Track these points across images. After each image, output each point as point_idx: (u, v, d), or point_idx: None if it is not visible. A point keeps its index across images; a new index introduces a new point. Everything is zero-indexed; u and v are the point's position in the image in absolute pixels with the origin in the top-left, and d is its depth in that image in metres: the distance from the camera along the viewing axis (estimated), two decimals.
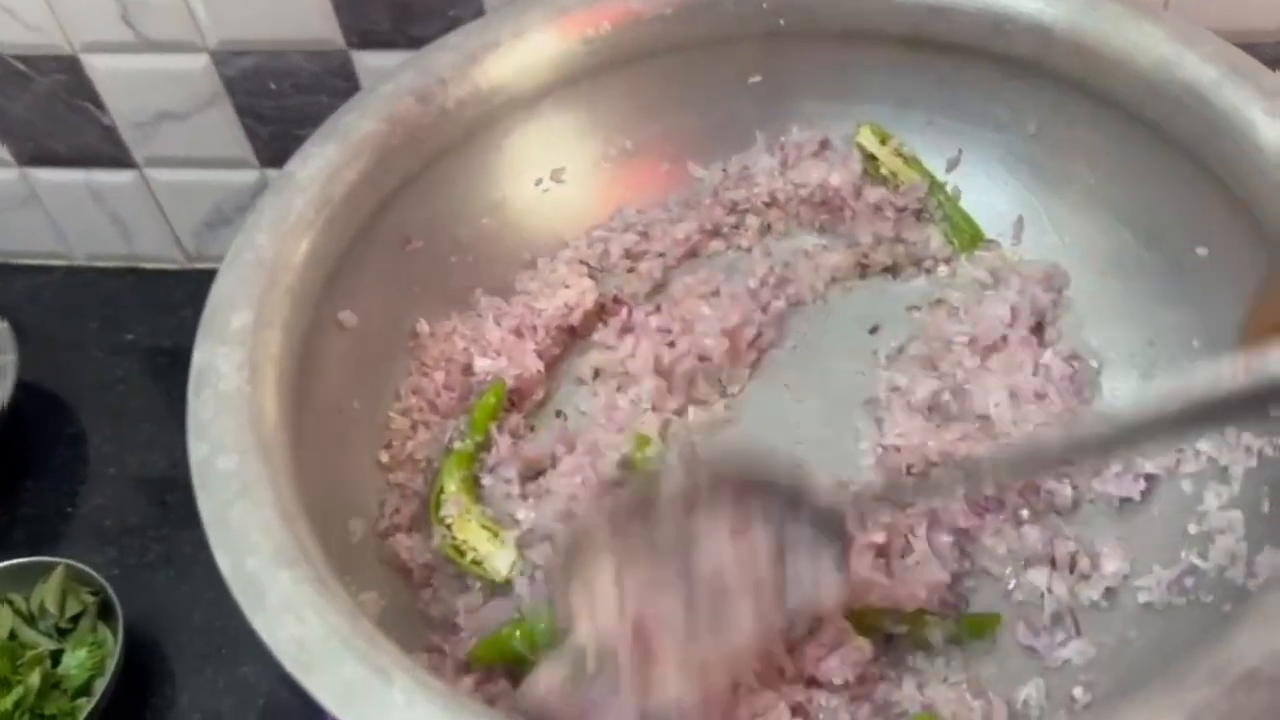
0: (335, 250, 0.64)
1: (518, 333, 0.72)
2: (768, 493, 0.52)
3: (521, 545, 0.64)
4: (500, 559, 0.64)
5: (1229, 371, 0.45)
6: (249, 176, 0.92)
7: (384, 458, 0.67)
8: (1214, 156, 0.63)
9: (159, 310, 0.98)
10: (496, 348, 0.71)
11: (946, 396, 0.68)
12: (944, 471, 0.62)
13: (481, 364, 0.70)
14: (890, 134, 0.76)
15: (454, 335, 0.72)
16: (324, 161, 0.65)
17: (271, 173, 0.90)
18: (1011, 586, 0.63)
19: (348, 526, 0.63)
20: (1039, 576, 0.62)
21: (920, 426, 0.67)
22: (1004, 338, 0.70)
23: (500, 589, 0.64)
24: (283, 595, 0.49)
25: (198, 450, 0.54)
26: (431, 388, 0.70)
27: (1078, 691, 0.59)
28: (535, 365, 0.71)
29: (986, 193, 0.75)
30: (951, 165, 0.76)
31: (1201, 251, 0.66)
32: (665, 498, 0.51)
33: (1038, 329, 0.71)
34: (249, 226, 0.62)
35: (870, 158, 0.76)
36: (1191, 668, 0.45)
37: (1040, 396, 0.67)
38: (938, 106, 0.75)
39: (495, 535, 0.64)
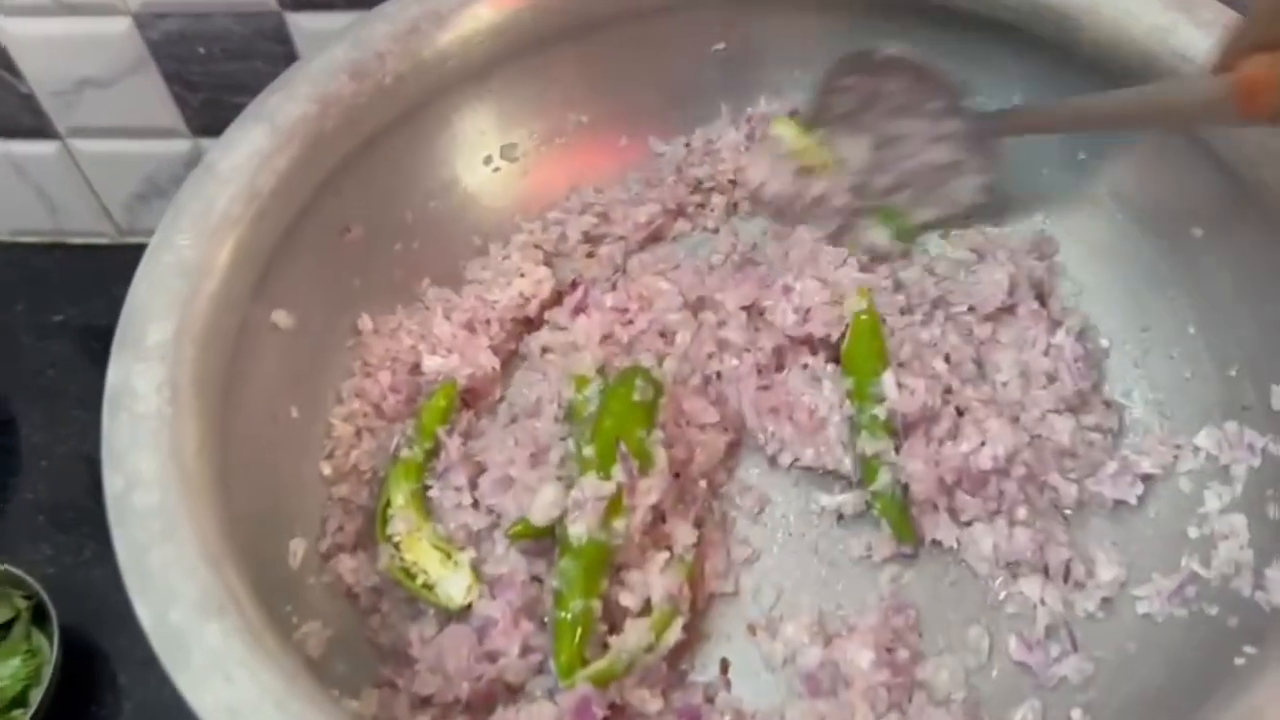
0: (266, 246, 0.59)
1: (469, 327, 0.67)
2: (961, 107, 0.66)
3: (477, 566, 0.59)
4: (454, 584, 0.59)
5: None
6: (181, 146, 0.87)
7: (325, 470, 0.62)
8: (1212, 129, 0.59)
9: (90, 288, 0.93)
10: (447, 344, 0.66)
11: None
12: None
13: (431, 363, 0.65)
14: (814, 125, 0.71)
15: (400, 331, 0.66)
16: (250, 149, 0.59)
17: (205, 142, 0.85)
18: (1002, 597, 0.60)
19: (287, 548, 0.58)
20: (1031, 586, 0.59)
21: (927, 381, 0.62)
22: (1012, 307, 0.66)
23: (457, 615, 0.59)
24: (210, 651, 0.45)
25: (113, 483, 0.50)
26: (376, 390, 0.65)
27: (1076, 714, 0.56)
28: (490, 362, 0.66)
29: None
30: None
31: (1197, 233, 0.62)
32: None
33: (1040, 299, 0.67)
34: (166, 226, 0.56)
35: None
36: None
37: (1051, 379, 0.63)
38: None
39: (448, 557, 0.60)
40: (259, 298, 0.59)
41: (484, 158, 0.71)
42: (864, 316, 0.63)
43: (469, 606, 0.58)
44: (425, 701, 0.56)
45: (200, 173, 0.58)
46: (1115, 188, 0.66)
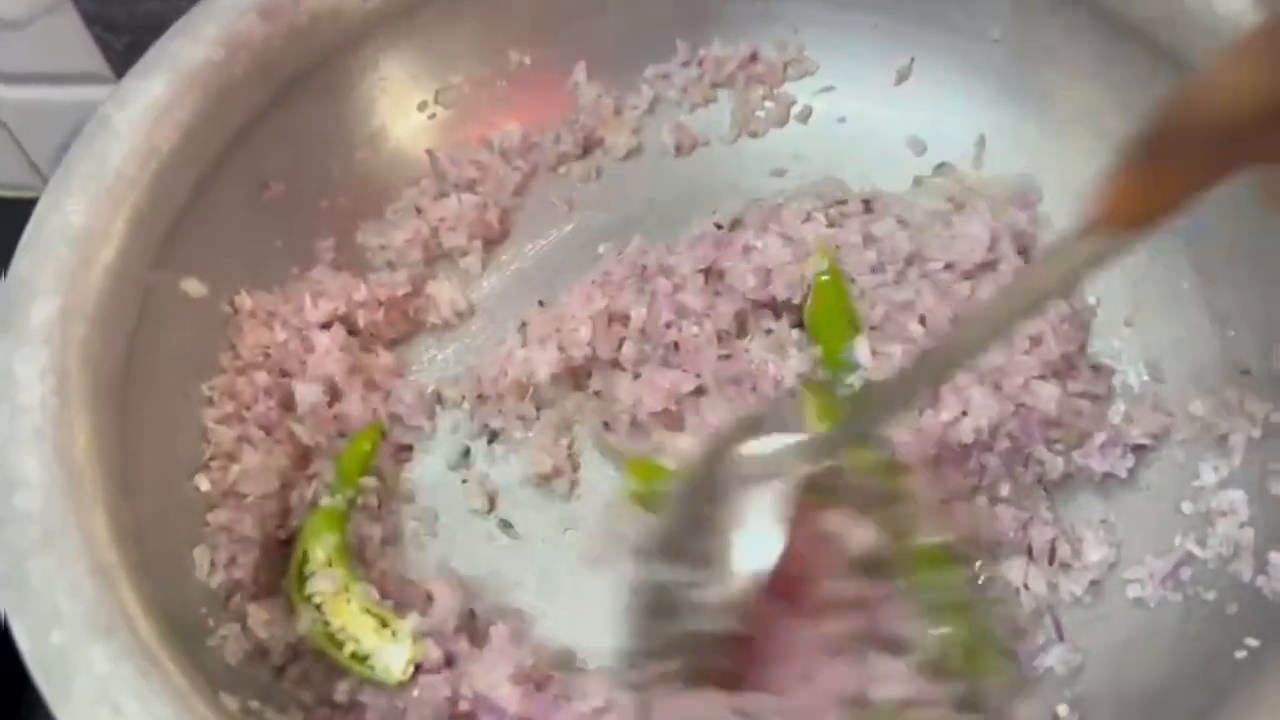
0: (170, 208, 0.54)
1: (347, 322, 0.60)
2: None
3: (418, 636, 0.52)
4: (392, 656, 0.50)
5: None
6: (106, 93, 0.80)
7: (203, 484, 0.53)
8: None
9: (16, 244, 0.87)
10: (319, 367, 0.58)
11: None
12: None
13: (306, 391, 0.57)
14: None
15: (275, 321, 0.59)
16: (148, 100, 0.53)
17: None
18: (981, 581, 0.55)
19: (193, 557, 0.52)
20: (1014, 569, 0.54)
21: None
22: (992, 263, 0.61)
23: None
24: (96, 678, 0.40)
25: None
26: (249, 391, 0.56)
27: (1063, 710, 0.51)
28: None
29: (941, 110, 0.65)
30: (901, 77, 0.66)
31: None
32: None
33: (1024, 254, 0.62)
34: (54, 189, 0.51)
35: None
36: None
37: (1036, 342, 0.58)
38: (884, 6, 0.64)
39: (384, 625, 0.51)
40: (164, 265, 0.54)
41: (417, 103, 0.65)
42: (825, 278, 0.58)
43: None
44: None
45: (92, 128, 0.53)
46: (1103, 124, 0.61)
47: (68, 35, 0.77)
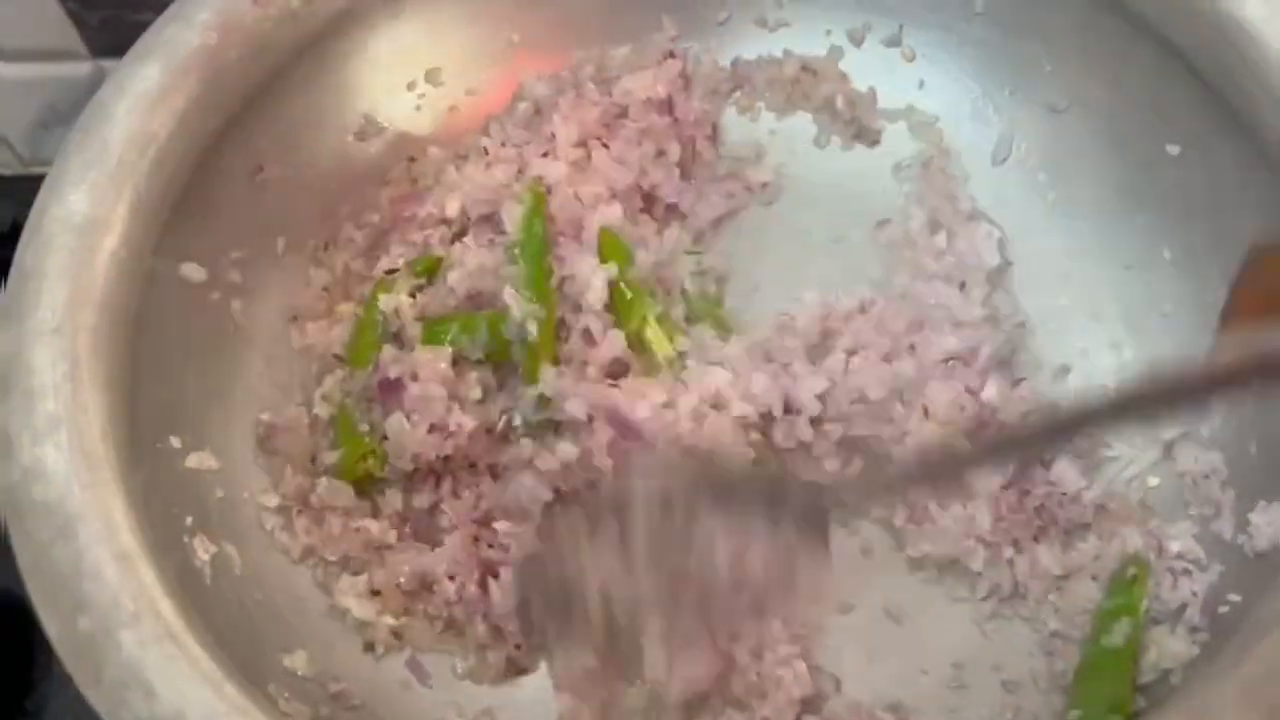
0: (170, 195, 0.54)
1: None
2: (747, 493, 0.48)
3: None
4: None
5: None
6: (81, 70, 0.81)
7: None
8: (1189, 42, 0.56)
9: None
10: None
11: None
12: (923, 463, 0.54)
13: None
14: None
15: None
16: (144, 87, 0.53)
17: (107, 64, 0.78)
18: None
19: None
20: None
21: None
22: None
23: None
24: (125, 663, 0.41)
25: (8, 474, 0.45)
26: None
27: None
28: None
29: (929, 83, 0.67)
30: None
31: (1173, 150, 0.59)
32: (642, 501, 0.48)
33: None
34: (54, 179, 0.51)
35: None
36: None
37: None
38: None
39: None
40: (164, 251, 0.54)
41: (406, 83, 0.66)
42: None
43: None
44: None
45: (89, 116, 0.53)
46: (1084, 100, 0.62)
47: (37, 10, 0.76)
